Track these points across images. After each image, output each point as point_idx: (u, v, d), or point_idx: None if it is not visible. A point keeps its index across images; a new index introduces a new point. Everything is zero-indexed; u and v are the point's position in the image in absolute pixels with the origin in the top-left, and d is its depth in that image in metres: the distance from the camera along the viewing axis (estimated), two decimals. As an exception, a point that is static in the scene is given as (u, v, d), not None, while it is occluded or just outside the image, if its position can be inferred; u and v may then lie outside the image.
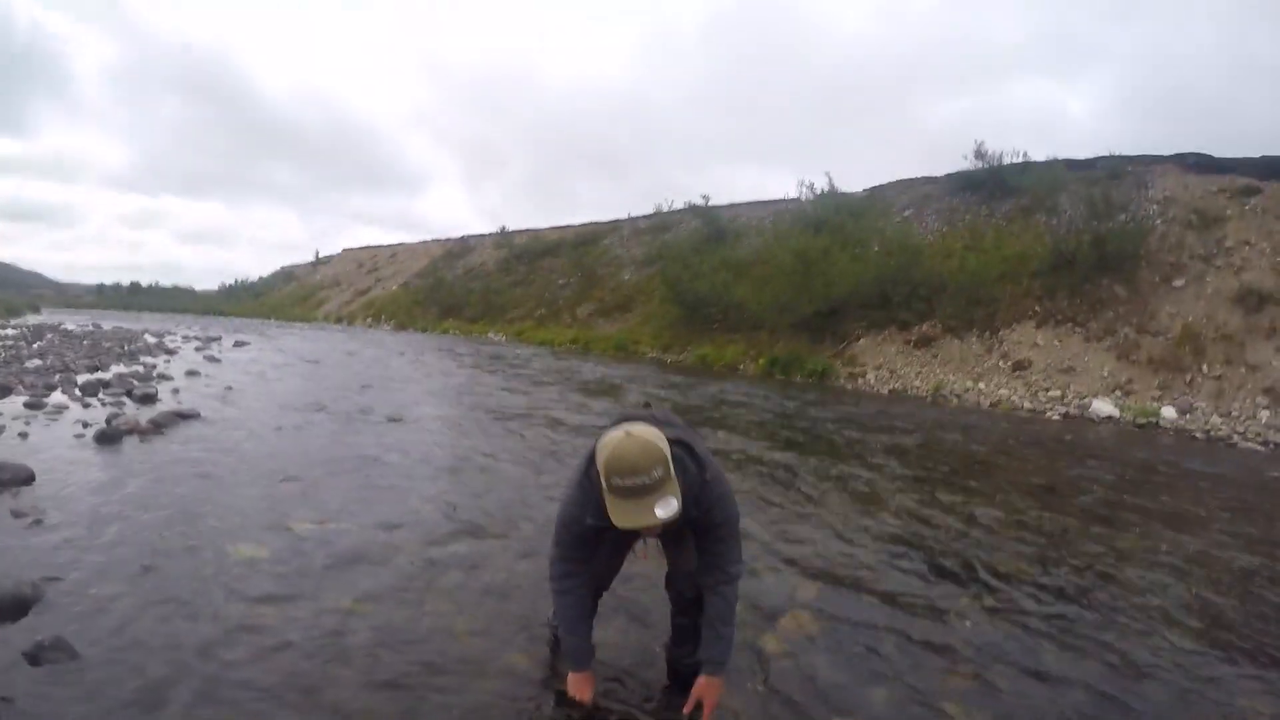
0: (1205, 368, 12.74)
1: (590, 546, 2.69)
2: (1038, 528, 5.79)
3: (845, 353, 17.56)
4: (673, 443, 2.45)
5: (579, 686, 2.75)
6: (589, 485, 2.49)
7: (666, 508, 2.24)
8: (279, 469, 6.63)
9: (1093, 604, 4.25)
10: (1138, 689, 3.27)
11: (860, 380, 16.25)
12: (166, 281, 73.81)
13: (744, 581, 2.84)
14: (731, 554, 2.69)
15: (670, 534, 2.65)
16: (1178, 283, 14.76)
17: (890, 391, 15.29)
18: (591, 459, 2.48)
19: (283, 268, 73.18)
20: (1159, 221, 16.60)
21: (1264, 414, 11.38)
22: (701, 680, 2.66)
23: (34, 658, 3.04)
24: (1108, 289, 15.38)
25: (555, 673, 3.07)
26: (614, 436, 2.34)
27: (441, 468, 7.05)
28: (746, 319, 20.46)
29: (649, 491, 2.25)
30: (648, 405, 3.04)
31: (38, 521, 4.74)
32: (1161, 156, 19.64)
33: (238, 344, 21.82)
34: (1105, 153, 21.22)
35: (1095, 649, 3.63)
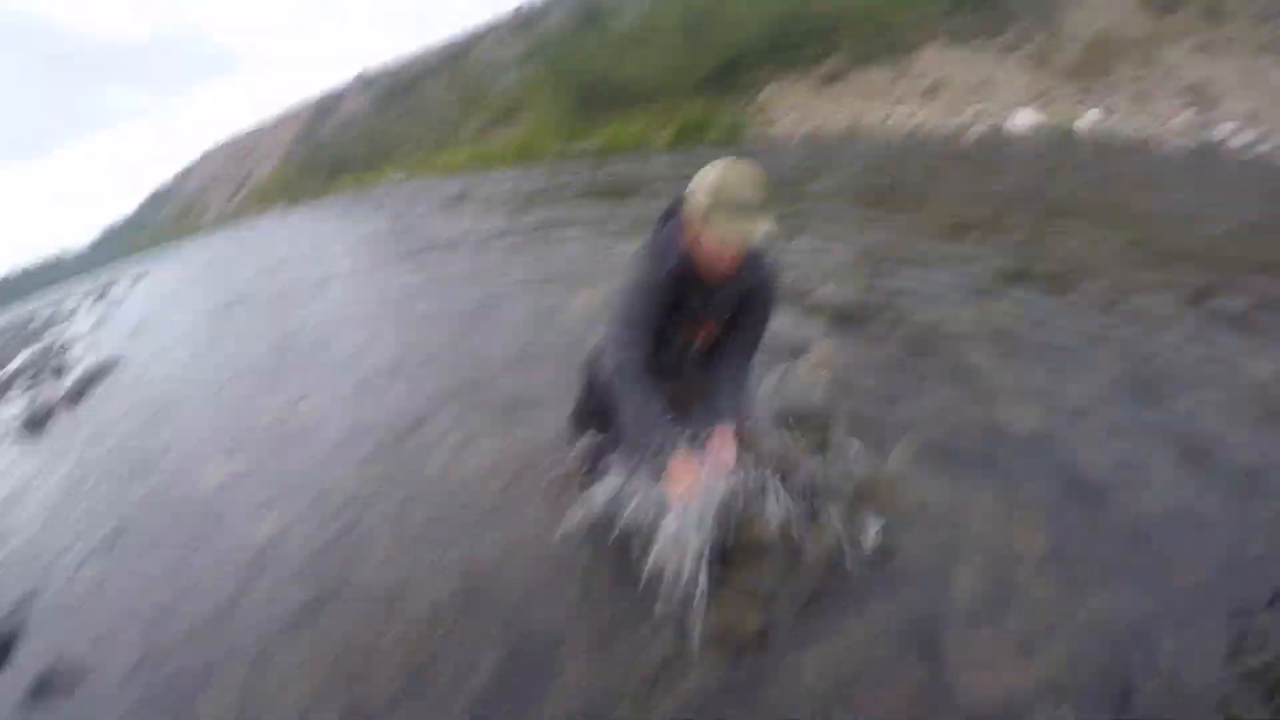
0: (1124, 70, 12.48)
1: (660, 318, 2.52)
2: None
3: (752, 105, 16.92)
4: None
5: (684, 470, 2.44)
6: (668, 237, 2.48)
7: (768, 225, 2.26)
8: (213, 379, 6.41)
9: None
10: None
11: (773, 128, 15.72)
12: (36, 260, 67.49)
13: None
14: (754, 343, 2.73)
15: (725, 312, 2.61)
16: (1080, -11, 14.28)
17: (806, 135, 14.82)
18: (670, 212, 2.53)
19: (151, 193, 67.67)
20: (1055, -77, 15.89)
21: (1186, 113, 11.22)
22: (718, 431, 2.59)
23: (40, 689, 2.85)
24: (1014, 0, 14.82)
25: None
26: (717, 166, 2.32)
27: (387, 319, 6.68)
28: (644, 91, 19.47)
29: (754, 210, 2.26)
30: None
31: None
32: None
33: (136, 278, 21.01)
34: None
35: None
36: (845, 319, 4.38)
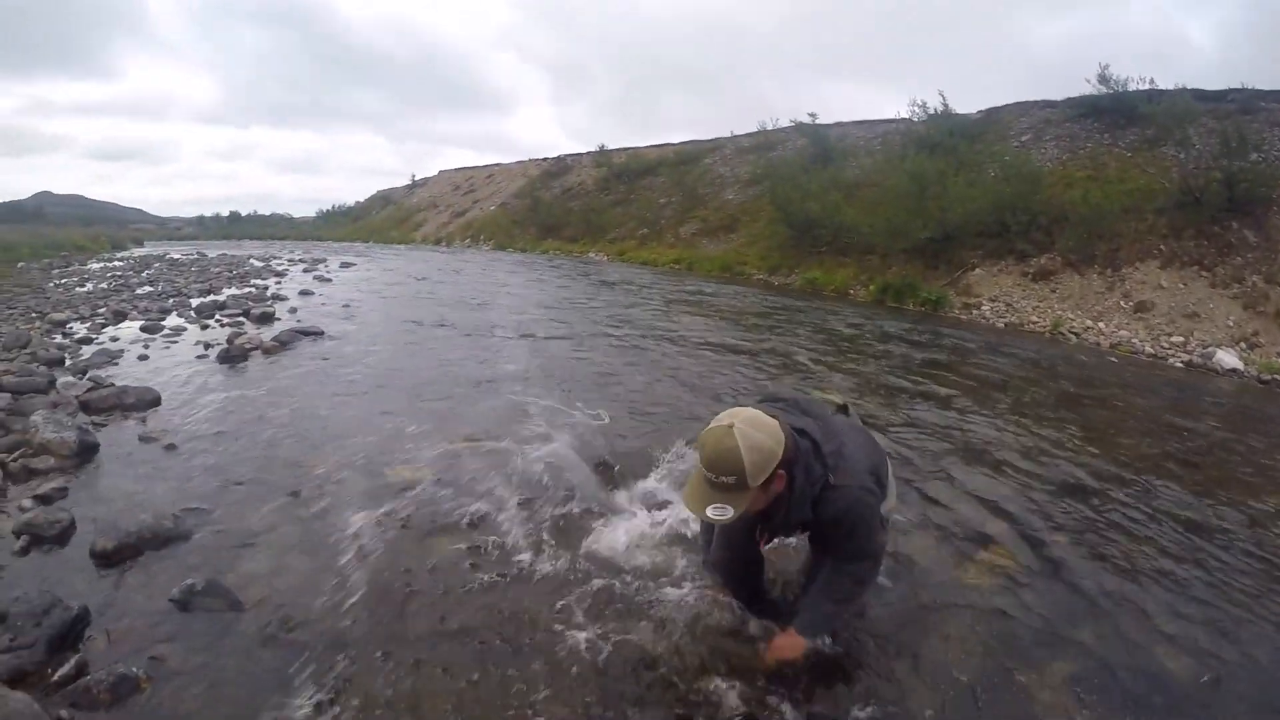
0: (1338, 322, 12.52)
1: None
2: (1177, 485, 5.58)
3: (960, 282, 17.61)
4: (798, 433, 2.52)
5: (780, 649, 2.80)
6: None
7: (719, 512, 2.36)
8: (418, 385, 6.60)
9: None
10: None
11: (975, 312, 16.34)
12: (263, 210, 74.18)
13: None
14: (863, 557, 2.77)
15: (779, 530, 2.73)
16: (1312, 230, 14.41)
17: (1006, 325, 15.40)
18: None
19: (379, 192, 74.21)
20: (1294, 163, 16.03)
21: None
22: (787, 631, 2.80)
23: (185, 604, 2.94)
24: (1237, 233, 15.06)
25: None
26: (719, 421, 2.41)
27: (580, 382, 7.02)
28: (857, 242, 20.49)
29: (715, 489, 2.35)
30: (844, 408, 3.16)
31: (171, 447, 4.69)
32: (1299, 92, 18.82)
33: (344, 265, 22.24)
34: (1237, 85, 20.33)
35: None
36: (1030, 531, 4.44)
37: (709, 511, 2.36)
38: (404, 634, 2.87)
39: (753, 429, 2.35)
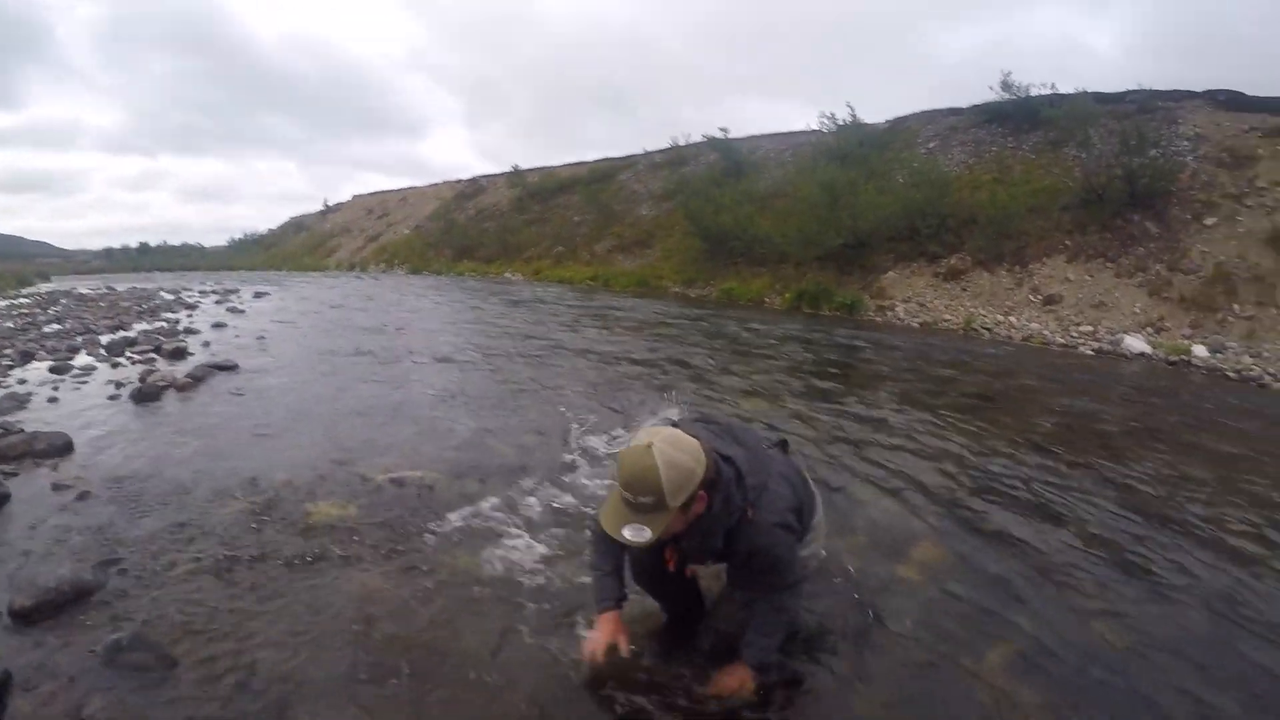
0: (1237, 308, 12.78)
1: (617, 553, 2.73)
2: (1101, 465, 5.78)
3: (873, 286, 17.63)
4: (725, 460, 2.45)
5: (601, 628, 2.68)
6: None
7: (637, 533, 2.27)
8: (335, 416, 6.48)
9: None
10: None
11: (890, 313, 16.38)
12: (174, 241, 71.84)
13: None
14: (779, 588, 2.64)
15: (698, 559, 2.70)
16: (1209, 221, 14.70)
17: (921, 325, 15.42)
18: None
19: (291, 218, 72.20)
20: (1190, 159, 16.42)
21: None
22: (736, 665, 2.68)
23: (112, 660, 2.73)
24: (1139, 225, 15.36)
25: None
26: (638, 440, 2.35)
27: (500, 404, 7.07)
28: (771, 253, 20.49)
29: (633, 509, 2.27)
30: (783, 444, 3.04)
31: (85, 494, 4.42)
32: (1193, 93, 19.30)
33: (257, 295, 21.63)
34: (1135, 86, 20.90)
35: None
36: (953, 519, 4.49)
37: (626, 532, 2.27)
38: (344, 674, 2.75)
39: (672, 448, 2.28)
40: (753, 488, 2.48)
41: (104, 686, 2.60)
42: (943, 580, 3.67)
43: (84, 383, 7.88)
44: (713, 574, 3.23)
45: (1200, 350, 12.01)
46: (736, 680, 2.65)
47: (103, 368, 8.71)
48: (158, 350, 9.97)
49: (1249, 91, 18.56)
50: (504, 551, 3.76)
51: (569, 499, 4.54)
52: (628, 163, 38.03)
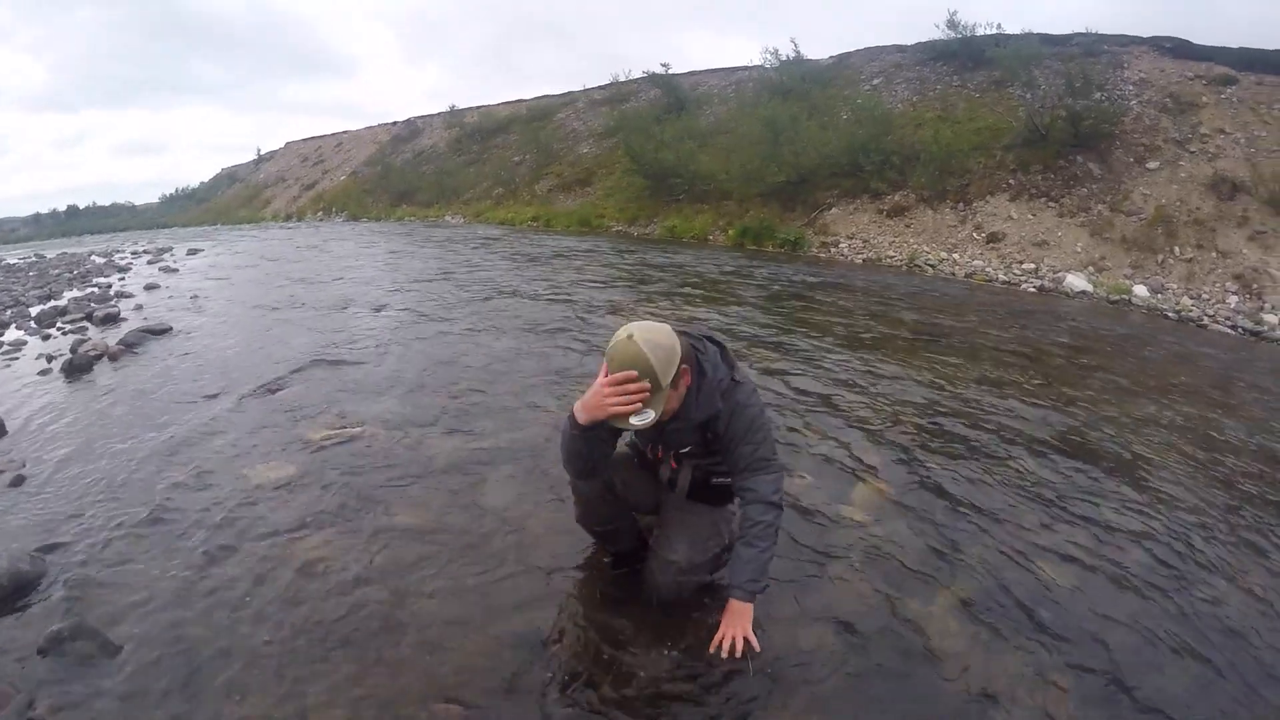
0: (1177, 250, 12.87)
1: (597, 455, 2.61)
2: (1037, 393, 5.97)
3: (817, 222, 17.39)
4: (704, 339, 2.63)
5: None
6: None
7: (641, 417, 2.32)
8: (273, 374, 6.21)
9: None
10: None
11: (833, 250, 16.16)
12: (106, 200, 67.85)
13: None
14: (767, 467, 2.65)
15: (680, 443, 2.74)
16: (1152, 164, 14.72)
17: (864, 261, 15.24)
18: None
19: (224, 170, 67.99)
20: (1134, 103, 16.43)
21: (1233, 299, 11.64)
22: (729, 606, 2.62)
23: (52, 651, 2.61)
24: (1082, 166, 15.33)
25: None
26: (618, 336, 2.38)
27: (442, 355, 6.81)
28: (714, 190, 20.10)
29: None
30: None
31: (19, 480, 4.25)
32: (1139, 38, 19.35)
33: (191, 252, 20.56)
34: (1081, 29, 20.82)
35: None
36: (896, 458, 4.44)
37: (632, 419, 2.32)
38: (290, 646, 2.67)
39: (649, 334, 2.36)
40: (731, 358, 2.66)
41: (50, 680, 2.49)
42: (891, 520, 3.65)
43: (14, 359, 7.55)
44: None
45: (1141, 290, 12.07)
46: (740, 629, 2.57)
47: (33, 340, 8.40)
48: (89, 318, 9.61)
49: (1195, 40, 18.60)
50: (451, 505, 3.66)
51: (517, 435, 4.51)
52: (567, 100, 36.91)
